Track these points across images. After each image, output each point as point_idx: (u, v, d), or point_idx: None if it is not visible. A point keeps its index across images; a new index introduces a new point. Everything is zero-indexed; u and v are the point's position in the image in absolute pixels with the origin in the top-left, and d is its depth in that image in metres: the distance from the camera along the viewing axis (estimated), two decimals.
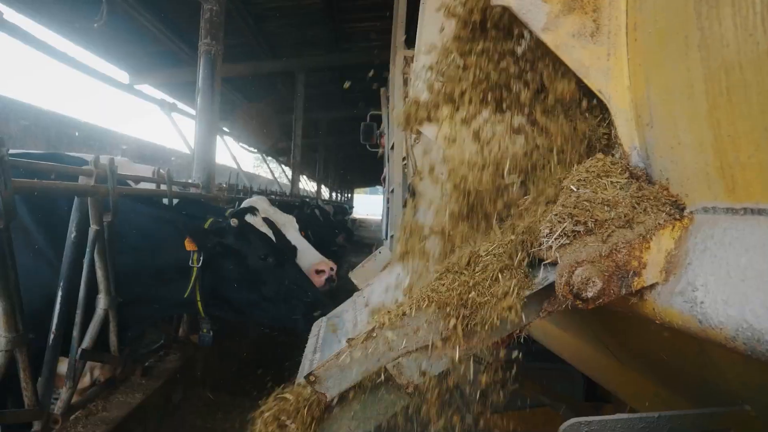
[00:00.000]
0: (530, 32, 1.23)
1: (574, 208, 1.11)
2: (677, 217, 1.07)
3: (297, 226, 5.14)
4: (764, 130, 0.83)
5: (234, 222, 3.38)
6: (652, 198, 1.11)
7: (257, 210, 3.97)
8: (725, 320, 0.89)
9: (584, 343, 2.10)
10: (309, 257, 4.73)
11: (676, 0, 1.00)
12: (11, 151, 2.50)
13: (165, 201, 3.73)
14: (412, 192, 5.50)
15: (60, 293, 2.63)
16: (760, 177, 0.87)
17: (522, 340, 1.46)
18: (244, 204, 5.07)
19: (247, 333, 5.53)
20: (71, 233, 2.68)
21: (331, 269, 4.72)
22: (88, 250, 2.74)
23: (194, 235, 3.19)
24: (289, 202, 9.02)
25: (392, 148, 5.77)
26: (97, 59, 9.45)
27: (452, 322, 1.25)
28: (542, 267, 1.22)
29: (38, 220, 2.79)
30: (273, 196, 8.73)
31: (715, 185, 0.98)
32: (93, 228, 2.74)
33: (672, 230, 1.07)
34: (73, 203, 2.71)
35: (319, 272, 4.66)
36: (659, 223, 1.07)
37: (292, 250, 4.74)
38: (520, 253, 1.26)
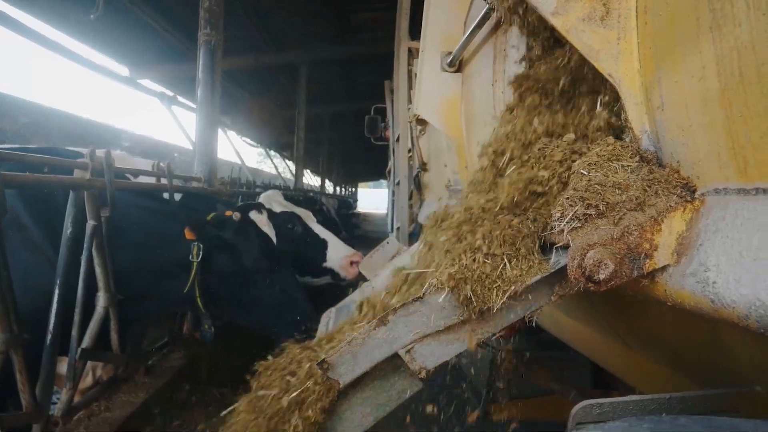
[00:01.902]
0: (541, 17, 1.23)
1: (585, 191, 1.12)
2: (688, 199, 1.08)
3: (315, 219, 5.20)
4: None
5: (236, 216, 3.33)
6: (663, 181, 1.12)
7: (264, 208, 3.94)
8: (738, 299, 0.89)
9: (594, 330, 2.11)
10: (341, 250, 4.88)
11: None
12: (3, 146, 2.45)
13: (165, 196, 3.70)
14: (417, 184, 5.54)
15: (57, 291, 2.56)
16: None
17: (531, 327, 1.48)
18: (261, 198, 5.12)
19: (253, 329, 5.54)
20: (67, 229, 2.61)
21: None
22: (85, 246, 2.67)
23: (193, 224, 3.15)
24: (293, 197, 9.04)
25: (397, 140, 5.79)
26: (96, 54, 9.40)
27: (464, 306, 1.26)
28: (554, 250, 1.23)
29: (36, 216, 2.73)
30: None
31: (727, 166, 0.98)
32: (90, 223, 2.67)
33: (683, 212, 1.08)
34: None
35: (353, 263, 4.78)
36: (670, 206, 1.08)
37: (323, 243, 4.82)
38: (530, 238, 1.27)
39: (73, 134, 8.22)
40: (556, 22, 1.17)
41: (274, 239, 3.70)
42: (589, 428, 0.98)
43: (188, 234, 3.13)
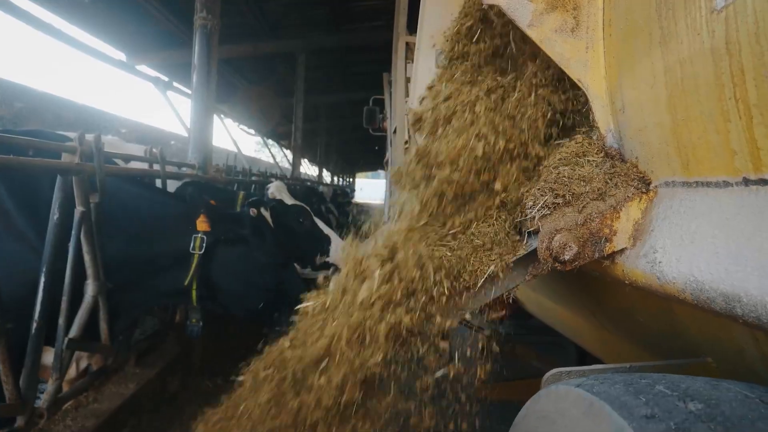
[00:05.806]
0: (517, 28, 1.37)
1: (555, 183, 1.27)
2: (644, 190, 1.24)
3: (312, 213, 5.28)
4: (709, 114, 0.99)
5: (253, 212, 3.27)
6: (623, 174, 1.27)
7: (268, 205, 3.90)
8: (677, 276, 1.05)
9: (573, 313, 2.28)
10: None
11: (642, 0, 1.16)
12: None
13: (160, 183, 3.63)
14: None
15: (42, 279, 2.41)
16: (707, 154, 1.03)
17: (522, 313, 1.63)
18: (270, 188, 5.16)
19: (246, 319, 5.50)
20: (54, 215, 2.46)
21: None
22: (73, 233, 2.55)
23: (210, 214, 3.04)
24: (289, 186, 9.04)
25: (395, 132, 5.89)
26: (93, 39, 9.25)
27: (446, 283, 1.41)
28: (526, 235, 1.38)
29: (19, 201, 2.58)
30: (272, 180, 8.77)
31: (674, 162, 1.14)
32: (78, 209, 2.54)
33: (639, 202, 1.23)
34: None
35: None
36: (628, 196, 1.24)
37: (327, 239, 4.87)
38: (506, 224, 1.42)
39: (69, 119, 8.16)
40: (532, 34, 1.31)
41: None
42: (561, 383, 1.13)
43: (201, 225, 3.02)
